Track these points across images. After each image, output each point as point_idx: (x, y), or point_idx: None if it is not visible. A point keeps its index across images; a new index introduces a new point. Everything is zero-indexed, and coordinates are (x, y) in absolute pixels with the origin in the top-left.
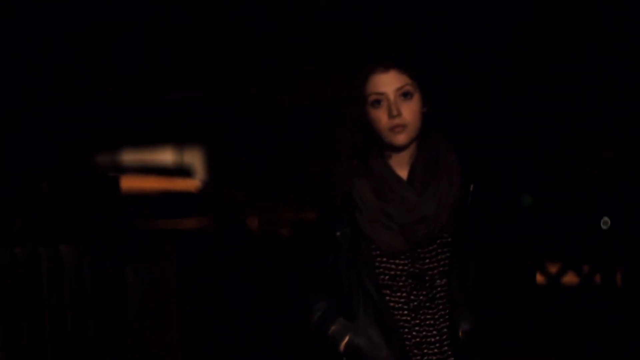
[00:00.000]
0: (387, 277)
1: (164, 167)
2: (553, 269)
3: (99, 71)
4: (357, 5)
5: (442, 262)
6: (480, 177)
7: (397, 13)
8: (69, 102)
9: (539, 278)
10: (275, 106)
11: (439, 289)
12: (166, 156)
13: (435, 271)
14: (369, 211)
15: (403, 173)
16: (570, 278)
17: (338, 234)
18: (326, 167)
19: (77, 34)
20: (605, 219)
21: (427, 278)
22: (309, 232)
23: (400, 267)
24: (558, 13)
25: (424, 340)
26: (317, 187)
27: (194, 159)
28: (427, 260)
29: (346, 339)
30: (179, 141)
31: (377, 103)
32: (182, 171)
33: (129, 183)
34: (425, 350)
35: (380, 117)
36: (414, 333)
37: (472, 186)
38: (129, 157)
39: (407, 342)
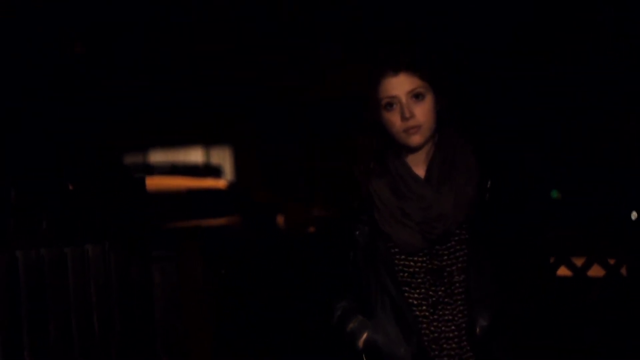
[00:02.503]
0: (405, 274)
1: (193, 167)
2: (578, 262)
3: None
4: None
5: (460, 259)
6: (497, 173)
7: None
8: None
9: (565, 271)
10: (302, 105)
11: (457, 285)
12: (195, 156)
13: (454, 267)
14: (387, 210)
15: (420, 172)
16: (596, 271)
17: (357, 233)
18: (345, 169)
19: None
20: (634, 212)
21: (445, 274)
22: (329, 232)
23: (418, 264)
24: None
25: (442, 335)
26: (336, 188)
27: (222, 158)
28: (445, 257)
29: (364, 335)
30: (207, 141)
31: (389, 106)
32: (210, 170)
33: (158, 182)
34: (444, 346)
35: (394, 120)
36: (432, 329)
37: (489, 182)
38: (158, 157)
39: (425, 338)
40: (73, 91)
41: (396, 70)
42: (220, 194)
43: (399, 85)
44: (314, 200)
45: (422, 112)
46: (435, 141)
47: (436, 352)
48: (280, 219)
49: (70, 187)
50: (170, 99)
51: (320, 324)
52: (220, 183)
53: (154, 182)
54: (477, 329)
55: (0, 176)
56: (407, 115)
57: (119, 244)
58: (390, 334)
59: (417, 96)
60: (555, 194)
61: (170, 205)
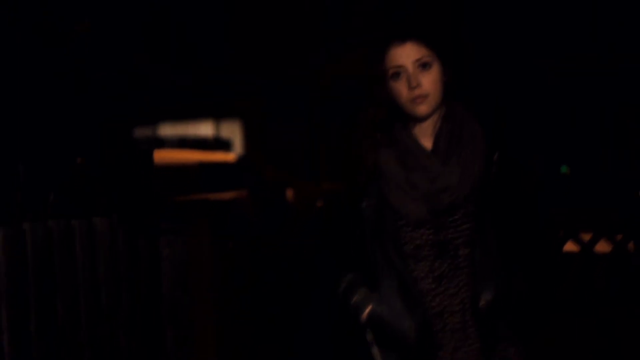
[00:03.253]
0: (411, 246)
1: (203, 140)
2: (586, 237)
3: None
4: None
5: (466, 232)
6: (504, 147)
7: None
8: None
9: (572, 246)
10: (313, 81)
11: (462, 258)
12: (205, 130)
13: (459, 241)
14: (393, 181)
15: (427, 143)
16: (602, 247)
17: (364, 205)
18: (352, 142)
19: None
20: None
21: (450, 247)
22: (336, 204)
23: (424, 237)
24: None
25: (446, 309)
26: (343, 161)
27: (232, 132)
28: (451, 230)
29: (368, 308)
30: (218, 115)
31: (396, 76)
32: (220, 144)
33: (167, 156)
34: (448, 319)
35: (401, 89)
36: (437, 302)
37: (496, 155)
38: (168, 130)
39: (429, 311)
40: (82, 66)
41: (403, 39)
42: (229, 168)
43: (406, 54)
44: (320, 173)
45: (429, 82)
46: (443, 113)
47: (440, 326)
48: (289, 193)
49: (78, 160)
50: (180, 78)
51: (328, 302)
52: (230, 157)
53: (163, 155)
54: (481, 303)
55: (9, 149)
56: (414, 84)
57: (126, 217)
58: (394, 307)
59: (424, 65)
60: (564, 169)
61: (180, 179)
